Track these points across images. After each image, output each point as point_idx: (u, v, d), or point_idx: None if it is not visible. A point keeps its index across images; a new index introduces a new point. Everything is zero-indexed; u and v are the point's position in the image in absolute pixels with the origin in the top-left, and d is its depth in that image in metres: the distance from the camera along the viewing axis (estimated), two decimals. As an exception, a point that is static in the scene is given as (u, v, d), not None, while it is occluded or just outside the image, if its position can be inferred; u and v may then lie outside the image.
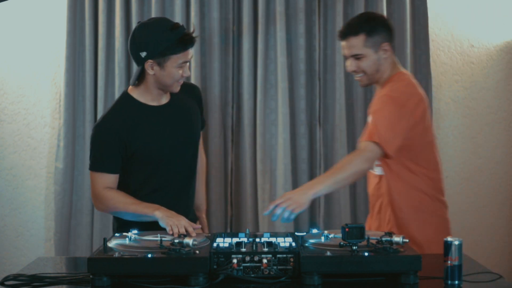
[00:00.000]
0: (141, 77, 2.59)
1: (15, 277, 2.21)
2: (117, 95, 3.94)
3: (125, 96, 2.66)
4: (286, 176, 4.01)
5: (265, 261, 2.13)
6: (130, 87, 2.67)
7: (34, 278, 2.21)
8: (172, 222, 2.41)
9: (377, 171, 2.79)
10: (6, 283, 2.18)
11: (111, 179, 2.62)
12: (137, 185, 2.66)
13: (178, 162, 2.71)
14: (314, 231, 2.45)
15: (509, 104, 4.35)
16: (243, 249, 2.18)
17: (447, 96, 4.32)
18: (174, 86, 2.59)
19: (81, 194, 4.09)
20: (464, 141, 4.34)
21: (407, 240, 2.20)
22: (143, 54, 2.49)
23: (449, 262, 2.12)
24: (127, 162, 2.63)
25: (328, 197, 4.10)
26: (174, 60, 2.49)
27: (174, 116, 2.69)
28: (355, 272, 2.13)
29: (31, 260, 2.59)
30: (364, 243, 2.18)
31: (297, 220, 3.97)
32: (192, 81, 4.07)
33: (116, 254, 2.14)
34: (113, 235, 2.41)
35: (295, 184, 4.01)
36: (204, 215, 3.06)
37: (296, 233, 2.43)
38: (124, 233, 2.33)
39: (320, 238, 2.29)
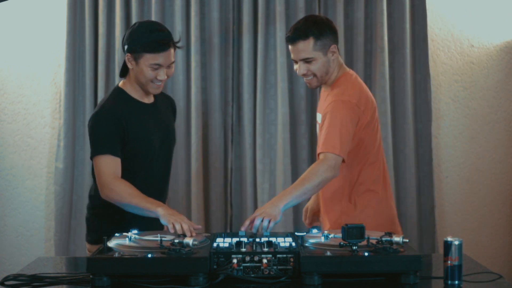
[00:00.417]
0: (127, 72, 2.75)
1: (15, 277, 2.22)
2: (117, 95, 3.94)
3: (118, 89, 2.77)
4: (286, 176, 4.01)
5: (265, 261, 2.13)
6: (121, 82, 2.79)
7: (34, 278, 2.21)
8: (174, 220, 2.42)
9: None
10: (6, 283, 2.18)
11: (116, 163, 2.63)
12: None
13: (159, 161, 2.78)
14: (314, 231, 2.45)
15: (509, 104, 4.35)
16: (243, 249, 2.18)
17: (447, 96, 4.32)
18: (149, 86, 2.68)
19: (81, 194, 4.09)
20: (464, 141, 4.34)
21: (407, 240, 2.20)
22: (125, 47, 2.67)
23: (449, 262, 2.12)
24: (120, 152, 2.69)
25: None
26: (146, 59, 2.61)
27: (158, 116, 2.80)
28: (355, 272, 2.13)
29: (31, 260, 2.59)
30: (364, 243, 2.18)
31: (297, 220, 3.97)
32: (192, 81, 4.08)
33: (116, 254, 2.14)
34: (113, 235, 2.41)
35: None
36: None
37: (296, 233, 2.44)
38: (124, 233, 2.33)
39: (320, 238, 2.29)
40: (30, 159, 4.26)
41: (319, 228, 2.58)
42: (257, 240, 2.30)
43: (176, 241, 2.15)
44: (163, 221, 2.47)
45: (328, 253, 2.14)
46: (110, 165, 2.62)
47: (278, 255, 2.15)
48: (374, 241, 2.19)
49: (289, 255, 2.15)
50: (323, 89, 2.92)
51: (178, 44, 2.69)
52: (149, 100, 2.79)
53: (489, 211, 4.38)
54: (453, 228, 4.34)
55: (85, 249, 4.03)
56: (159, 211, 2.49)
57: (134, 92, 2.74)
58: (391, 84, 4.16)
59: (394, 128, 4.18)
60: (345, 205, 2.81)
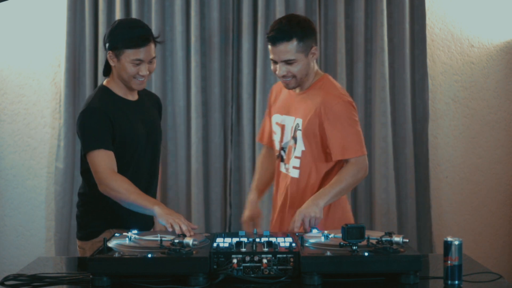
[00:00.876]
0: (111, 71, 2.78)
1: (15, 277, 2.21)
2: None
3: (103, 87, 2.79)
4: (286, 176, 4.00)
5: (265, 261, 2.13)
6: (105, 81, 2.81)
7: (34, 278, 2.21)
8: (172, 219, 2.42)
9: (295, 173, 2.84)
10: (6, 283, 2.18)
11: (111, 157, 2.63)
12: None
13: (146, 158, 2.79)
14: (314, 231, 2.45)
15: (509, 104, 4.35)
16: (243, 249, 2.18)
17: (447, 96, 4.32)
18: (132, 83, 2.71)
19: (81, 194, 4.09)
20: (464, 141, 4.34)
21: (407, 240, 2.20)
22: (107, 45, 2.71)
23: (449, 262, 2.12)
24: None
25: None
26: (127, 55, 2.65)
27: (144, 113, 2.82)
28: (355, 272, 2.13)
29: (31, 260, 2.58)
30: (364, 243, 2.18)
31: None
32: (192, 81, 4.08)
33: (116, 254, 2.14)
34: (113, 235, 2.41)
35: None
36: None
37: (296, 233, 2.44)
38: (124, 233, 2.33)
39: (320, 238, 2.29)
40: (30, 159, 4.26)
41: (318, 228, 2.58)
42: (257, 240, 2.30)
43: (176, 241, 2.15)
44: (160, 220, 2.47)
45: (328, 253, 2.14)
46: (105, 159, 2.61)
47: (278, 255, 2.15)
48: (374, 241, 2.19)
49: (289, 255, 2.15)
50: (292, 92, 2.86)
51: (158, 39, 2.73)
52: (134, 97, 2.81)
53: (489, 211, 4.38)
54: (453, 228, 4.34)
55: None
56: (156, 210, 2.49)
57: (118, 90, 2.76)
58: (391, 84, 4.16)
59: (394, 128, 4.18)
60: None
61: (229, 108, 4.12)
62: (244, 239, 2.29)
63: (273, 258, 2.15)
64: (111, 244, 2.25)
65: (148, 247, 2.21)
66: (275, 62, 2.74)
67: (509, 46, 4.30)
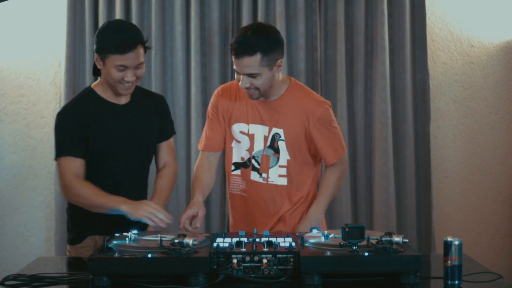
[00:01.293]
0: (100, 72, 2.70)
1: (15, 277, 2.21)
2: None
3: (87, 89, 2.76)
4: (286, 176, 4.00)
5: (265, 261, 2.13)
6: (94, 82, 2.76)
7: (34, 278, 2.21)
8: (142, 214, 2.44)
9: (282, 181, 2.84)
10: (6, 283, 2.18)
11: (78, 164, 2.61)
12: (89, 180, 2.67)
13: (127, 162, 2.73)
14: (314, 231, 2.45)
15: (509, 104, 4.35)
16: (243, 249, 2.18)
17: (447, 96, 4.32)
18: (118, 88, 2.62)
19: (81, 194, 4.09)
20: (464, 141, 4.34)
21: (407, 240, 2.20)
22: (95, 47, 2.62)
23: (449, 262, 2.12)
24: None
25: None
26: (112, 60, 2.55)
27: (128, 119, 2.73)
28: (355, 272, 2.13)
29: (31, 260, 2.58)
30: (364, 243, 2.18)
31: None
32: (192, 81, 4.08)
33: (116, 254, 2.14)
34: (114, 235, 2.41)
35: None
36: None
37: (296, 233, 2.44)
38: (124, 233, 2.33)
39: (320, 238, 2.29)
40: (30, 159, 4.26)
41: (319, 228, 2.58)
42: (257, 240, 2.30)
43: (176, 241, 2.15)
44: (131, 217, 2.47)
45: (328, 253, 2.14)
46: (71, 166, 2.60)
47: (278, 255, 2.15)
48: (374, 241, 2.19)
49: (289, 255, 2.15)
50: (257, 100, 2.78)
51: (147, 44, 2.62)
52: (123, 100, 2.72)
53: (489, 211, 4.38)
54: (453, 228, 4.34)
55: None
56: (123, 208, 2.49)
57: (105, 93, 2.69)
58: (391, 84, 4.16)
59: (394, 128, 4.18)
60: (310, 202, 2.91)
61: (229, 108, 4.11)
62: (244, 239, 2.29)
63: (273, 258, 2.15)
64: (111, 244, 2.25)
65: (148, 247, 2.21)
66: (239, 73, 2.67)
67: (509, 46, 4.30)
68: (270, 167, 2.81)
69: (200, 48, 4.08)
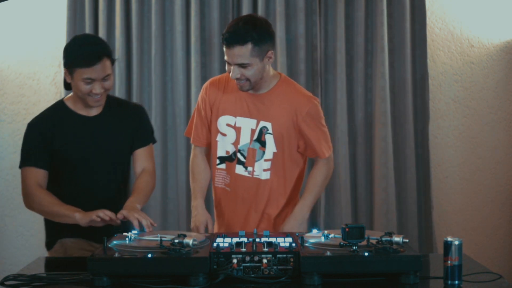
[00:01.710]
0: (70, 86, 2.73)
1: (15, 277, 2.21)
2: (116, 95, 3.95)
3: (59, 102, 2.80)
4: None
5: (265, 261, 2.13)
6: (67, 96, 2.80)
7: (34, 278, 2.21)
8: (91, 214, 2.49)
9: (266, 176, 2.85)
10: (6, 283, 2.18)
11: (41, 174, 2.68)
12: (55, 192, 2.70)
13: (95, 173, 2.76)
14: (315, 231, 2.45)
15: (509, 104, 4.35)
16: (243, 249, 2.18)
17: (447, 96, 4.32)
18: (88, 100, 2.66)
19: (81, 194, 4.09)
20: (464, 141, 4.34)
21: (407, 240, 2.20)
22: (63, 62, 2.67)
23: (449, 262, 2.12)
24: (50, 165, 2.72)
25: (329, 197, 4.10)
26: (79, 73, 2.59)
27: (97, 130, 2.75)
28: (355, 272, 2.13)
29: (31, 260, 2.59)
30: (364, 243, 2.18)
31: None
32: (192, 81, 4.08)
33: (116, 254, 2.14)
34: (114, 235, 2.41)
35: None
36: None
37: (296, 233, 2.44)
38: (124, 233, 2.33)
39: (320, 238, 2.29)
40: (30, 159, 4.26)
41: (319, 228, 2.59)
42: (257, 240, 2.30)
43: (176, 241, 2.15)
44: (82, 224, 2.53)
45: (328, 253, 2.14)
46: (33, 176, 2.67)
47: (278, 255, 2.15)
48: (374, 241, 2.19)
49: (289, 255, 2.15)
50: (246, 93, 2.80)
51: (114, 56, 2.68)
52: (93, 112, 2.74)
53: (489, 211, 4.38)
54: (453, 228, 4.34)
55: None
56: (76, 216, 2.54)
57: (75, 105, 2.73)
58: (391, 84, 4.16)
59: (394, 128, 4.18)
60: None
61: (229, 108, 4.11)
62: (244, 239, 2.29)
63: (273, 258, 2.15)
64: (111, 244, 2.25)
65: (148, 247, 2.21)
66: (230, 64, 2.69)
67: (509, 46, 4.30)
68: (256, 161, 2.82)
69: (200, 48, 4.08)
